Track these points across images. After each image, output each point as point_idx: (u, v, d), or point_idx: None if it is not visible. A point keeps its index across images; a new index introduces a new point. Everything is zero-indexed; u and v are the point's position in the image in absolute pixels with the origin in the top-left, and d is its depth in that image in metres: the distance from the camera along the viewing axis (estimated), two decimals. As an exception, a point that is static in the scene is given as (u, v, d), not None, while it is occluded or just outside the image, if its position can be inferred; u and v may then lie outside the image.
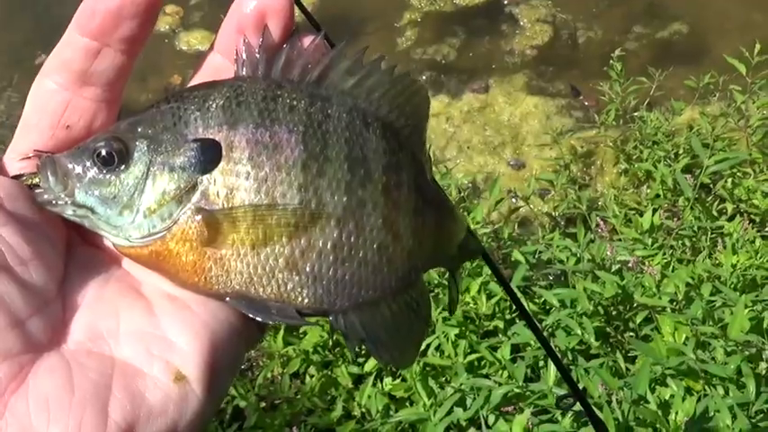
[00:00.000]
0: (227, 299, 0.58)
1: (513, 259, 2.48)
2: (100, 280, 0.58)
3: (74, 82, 0.57)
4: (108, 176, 0.57)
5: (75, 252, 0.59)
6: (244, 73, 0.60)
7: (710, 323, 2.05)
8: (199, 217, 0.57)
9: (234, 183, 0.57)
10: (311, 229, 0.58)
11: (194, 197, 0.57)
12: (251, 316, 0.58)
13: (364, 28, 4.21)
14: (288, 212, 0.57)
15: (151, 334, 0.55)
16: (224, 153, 0.57)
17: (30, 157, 0.58)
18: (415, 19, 4.24)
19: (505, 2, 4.27)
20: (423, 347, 2.24)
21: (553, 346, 2.05)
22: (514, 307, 2.33)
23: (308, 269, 0.58)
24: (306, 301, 0.59)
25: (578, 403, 0.99)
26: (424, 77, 3.86)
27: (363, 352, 2.25)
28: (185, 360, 0.54)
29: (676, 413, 1.84)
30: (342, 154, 0.59)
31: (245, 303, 0.58)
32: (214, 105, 0.58)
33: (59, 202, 0.57)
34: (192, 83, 0.63)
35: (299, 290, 0.59)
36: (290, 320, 0.59)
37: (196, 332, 0.55)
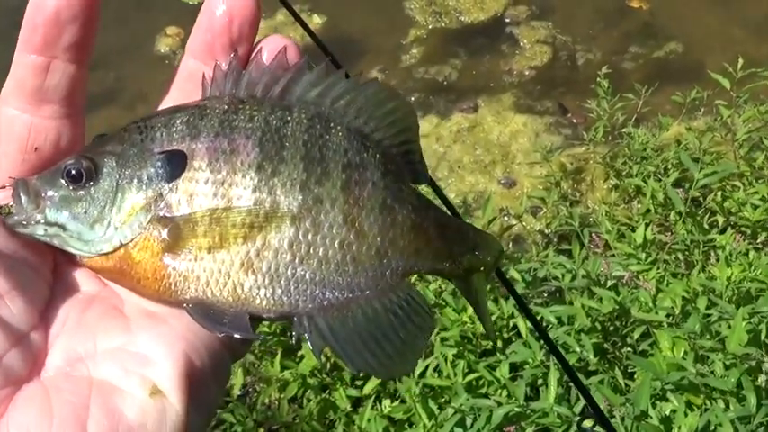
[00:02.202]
0: (188, 306, 0.58)
1: (509, 277, 2.48)
2: (83, 302, 0.58)
3: (31, 103, 0.57)
4: (78, 193, 0.58)
5: (63, 274, 0.59)
6: (210, 94, 0.61)
7: (708, 337, 2.05)
8: (160, 225, 0.58)
9: (193, 189, 0.58)
10: (267, 228, 0.58)
11: (159, 206, 0.58)
12: (202, 327, 0.57)
13: (369, 46, 4.25)
14: (243, 213, 0.58)
15: (127, 351, 0.55)
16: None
17: (5, 187, 0.58)
18: (421, 36, 4.27)
19: (507, 20, 4.31)
20: (420, 368, 2.23)
21: (552, 365, 2.05)
22: (519, 325, 2.33)
23: (264, 269, 0.58)
24: (264, 302, 0.59)
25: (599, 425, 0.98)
26: (413, 98, 3.87)
27: (361, 375, 2.23)
28: (160, 373, 0.54)
29: (679, 428, 1.83)
30: (298, 155, 0.60)
31: (200, 311, 0.58)
32: (179, 121, 0.60)
33: (30, 222, 0.57)
34: (170, 88, 0.64)
35: (255, 291, 0.58)
36: (241, 333, 0.57)
37: (171, 345, 0.56)
